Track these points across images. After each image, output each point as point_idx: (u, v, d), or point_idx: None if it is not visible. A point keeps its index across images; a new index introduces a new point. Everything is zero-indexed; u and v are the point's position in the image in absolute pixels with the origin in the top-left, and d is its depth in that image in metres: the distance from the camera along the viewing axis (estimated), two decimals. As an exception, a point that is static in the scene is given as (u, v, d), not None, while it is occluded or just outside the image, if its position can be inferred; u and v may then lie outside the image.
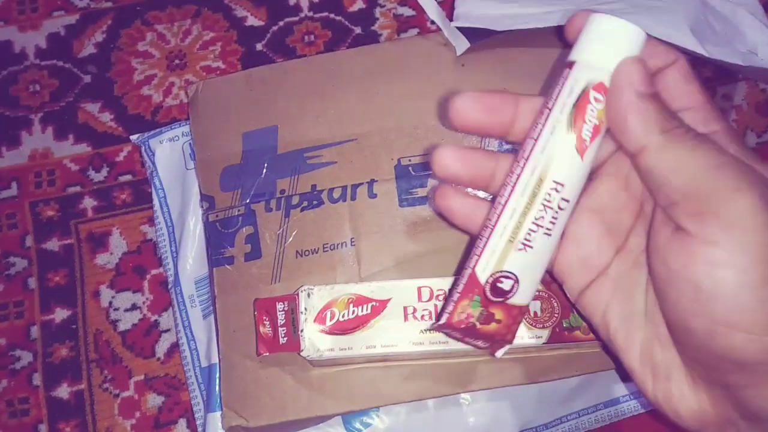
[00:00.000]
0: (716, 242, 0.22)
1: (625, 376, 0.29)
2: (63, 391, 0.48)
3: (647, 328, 0.27)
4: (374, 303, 0.38)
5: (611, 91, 0.26)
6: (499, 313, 0.28)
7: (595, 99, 0.26)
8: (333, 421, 0.44)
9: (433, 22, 0.56)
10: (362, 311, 0.38)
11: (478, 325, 0.28)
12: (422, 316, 0.38)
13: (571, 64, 0.27)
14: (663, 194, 0.25)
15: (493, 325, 0.28)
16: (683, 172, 0.24)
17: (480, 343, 0.30)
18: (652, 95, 0.25)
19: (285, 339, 0.39)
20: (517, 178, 0.27)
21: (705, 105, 0.27)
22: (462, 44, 0.46)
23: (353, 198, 0.44)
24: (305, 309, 0.38)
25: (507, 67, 0.46)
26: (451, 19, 0.47)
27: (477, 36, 0.46)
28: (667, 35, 0.43)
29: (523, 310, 0.29)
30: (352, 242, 0.43)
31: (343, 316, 0.38)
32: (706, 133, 0.26)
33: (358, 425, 0.44)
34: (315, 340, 0.38)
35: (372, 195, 0.44)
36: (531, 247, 0.27)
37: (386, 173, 0.44)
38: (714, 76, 0.54)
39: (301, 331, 0.38)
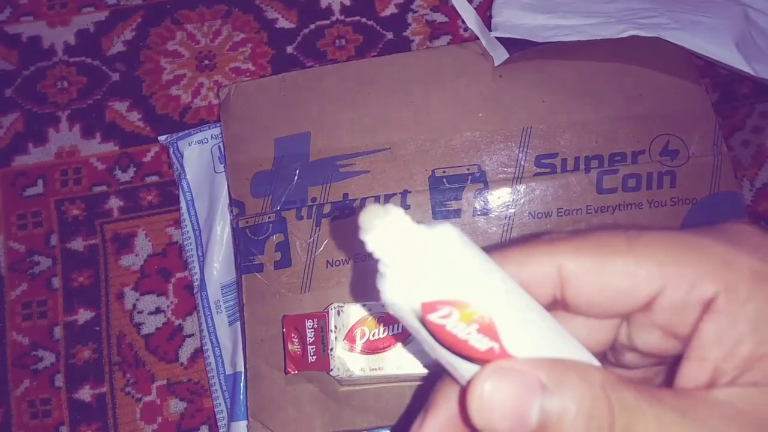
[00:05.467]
0: None
1: None
2: (85, 394, 0.48)
3: None
4: (407, 320, 0.38)
5: None
6: None
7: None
8: None
9: (466, 30, 0.55)
10: (393, 330, 0.38)
11: None
12: (457, 334, 0.37)
13: None
14: None
15: None
16: None
17: None
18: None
19: (314, 358, 0.38)
20: None
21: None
22: (500, 54, 0.45)
23: (386, 208, 0.43)
24: (335, 327, 0.38)
25: (545, 78, 0.45)
26: (489, 29, 0.46)
27: (515, 46, 0.45)
28: (713, 52, 0.42)
29: None
30: (383, 254, 0.42)
31: (373, 335, 0.37)
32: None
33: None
34: (345, 360, 0.37)
35: (405, 206, 0.43)
36: None
37: (420, 184, 0.43)
38: (752, 93, 0.53)
39: (331, 350, 0.37)
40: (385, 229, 0.16)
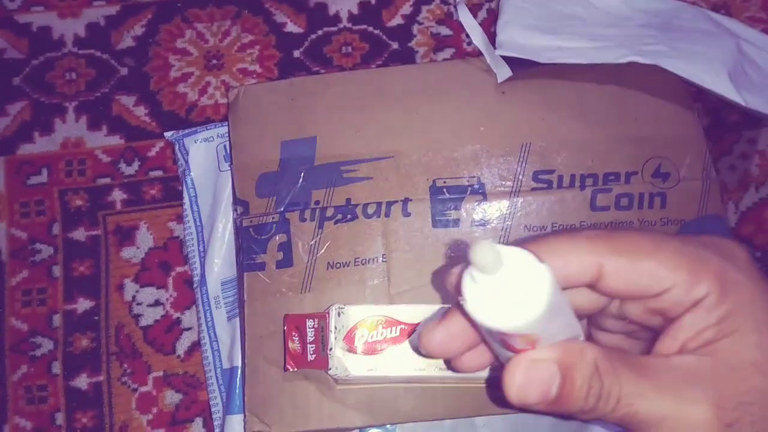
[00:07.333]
0: None
1: None
2: (82, 382, 0.49)
3: None
4: (403, 326, 0.39)
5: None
6: None
7: None
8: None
9: (469, 44, 0.57)
10: (391, 333, 0.39)
11: None
12: (452, 339, 0.39)
13: None
14: None
15: None
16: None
17: None
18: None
19: (313, 356, 0.39)
20: None
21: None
22: (504, 72, 0.46)
23: (387, 215, 0.44)
24: (335, 327, 0.39)
25: (546, 98, 0.47)
26: (494, 46, 0.48)
27: (519, 65, 0.46)
28: (708, 81, 0.44)
29: None
30: (383, 258, 0.44)
31: (372, 337, 0.39)
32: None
33: (373, 436, 0.45)
34: (343, 360, 0.38)
35: (406, 213, 0.44)
36: None
37: (421, 193, 0.45)
38: (740, 120, 0.55)
39: (330, 349, 0.39)
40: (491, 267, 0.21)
